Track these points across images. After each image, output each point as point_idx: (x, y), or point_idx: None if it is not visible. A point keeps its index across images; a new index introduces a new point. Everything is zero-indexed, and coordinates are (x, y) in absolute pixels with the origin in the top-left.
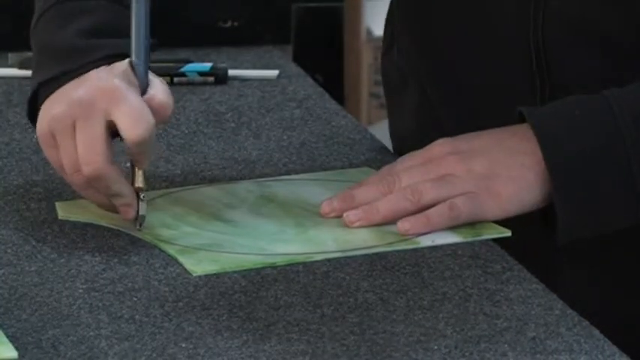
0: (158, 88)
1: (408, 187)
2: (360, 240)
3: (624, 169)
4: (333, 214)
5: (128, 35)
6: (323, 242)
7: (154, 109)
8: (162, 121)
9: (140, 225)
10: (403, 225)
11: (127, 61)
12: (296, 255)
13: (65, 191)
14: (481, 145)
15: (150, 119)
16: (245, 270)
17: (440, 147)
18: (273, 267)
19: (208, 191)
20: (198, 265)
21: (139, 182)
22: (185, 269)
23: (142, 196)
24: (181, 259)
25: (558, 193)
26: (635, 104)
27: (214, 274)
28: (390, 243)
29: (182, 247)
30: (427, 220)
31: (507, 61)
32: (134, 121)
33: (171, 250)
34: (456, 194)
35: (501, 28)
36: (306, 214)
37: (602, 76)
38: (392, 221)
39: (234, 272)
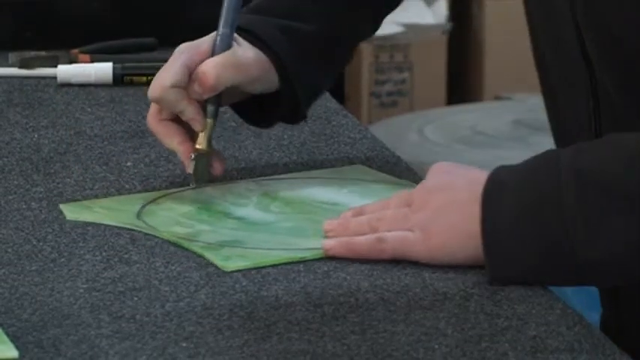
0: (210, 62)
1: (377, 239)
2: None
3: (558, 229)
4: (331, 234)
5: (275, 14)
6: None
7: (197, 77)
8: (205, 88)
9: (194, 182)
10: (328, 242)
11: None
12: (316, 250)
13: (66, 191)
14: (452, 183)
15: (211, 78)
16: (275, 265)
17: (425, 181)
18: (303, 261)
19: (208, 191)
20: (228, 262)
21: (200, 144)
22: (204, 265)
23: (192, 156)
24: (208, 255)
25: (485, 250)
26: (583, 161)
27: (245, 269)
28: None
29: (205, 244)
30: (350, 247)
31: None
32: (201, 71)
33: (194, 247)
34: (403, 228)
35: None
36: (315, 210)
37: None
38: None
39: (264, 267)
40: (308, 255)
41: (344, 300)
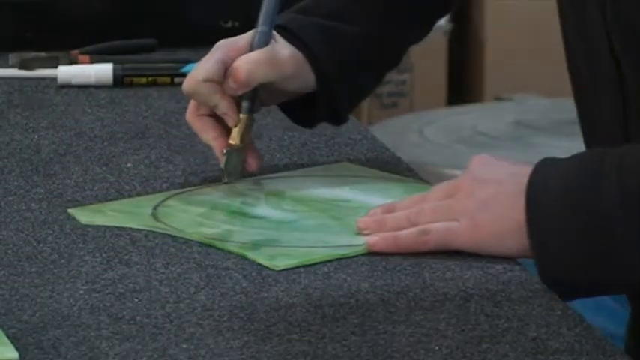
0: (244, 58)
1: (420, 231)
2: None
3: (605, 227)
4: (366, 231)
5: (318, 14)
6: None
7: (231, 72)
8: (238, 83)
9: (225, 177)
10: (372, 238)
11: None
12: (358, 246)
13: (66, 192)
14: (497, 176)
15: (243, 73)
16: (318, 262)
17: (467, 173)
18: (346, 257)
19: (210, 192)
20: (274, 261)
21: (234, 139)
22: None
23: (224, 150)
24: (251, 255)
25: (532, 246)
26: (628, 163)
27: (292, 267)
28: None
29: (239, 243)
30: (394, 241)
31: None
32: (234, 66)
33: (231, 247)
34: (446, 220)
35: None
36: (330, 207)
37: None
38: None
39: (308, 265)
40: (350, 251)
41: (344, 301)
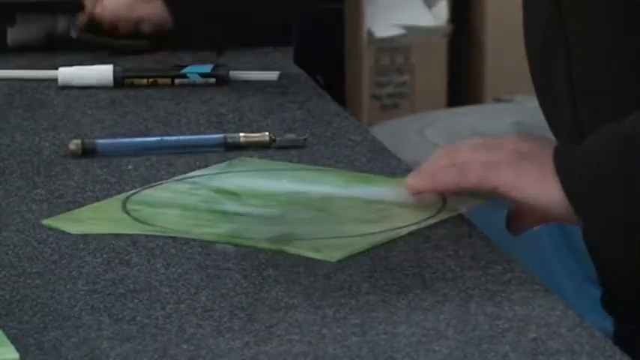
0: None
1: (460, 164)
2: (409, 216)
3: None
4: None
5: None
6: (380, 219)
7: None
8: None
9: None
10: (412, 178)
11: None
12: (384, 232)
13: (67, 193)
14: (541, 143)
15: None
16: (366, 251)
17: (503, 136)
18: (392, 240)
19: (155, 193)
20: (323, 253)
21: None
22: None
23: None
24: (292, 249)
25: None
26: None
27: (347, 257)
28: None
29: (264, 239)
30: (432, 177)
31: None
32: None
33: (263, 244)
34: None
35: None
36: (296, 200)
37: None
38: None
39: (359, 254)
40: (384, 237)
41: (344, 301)
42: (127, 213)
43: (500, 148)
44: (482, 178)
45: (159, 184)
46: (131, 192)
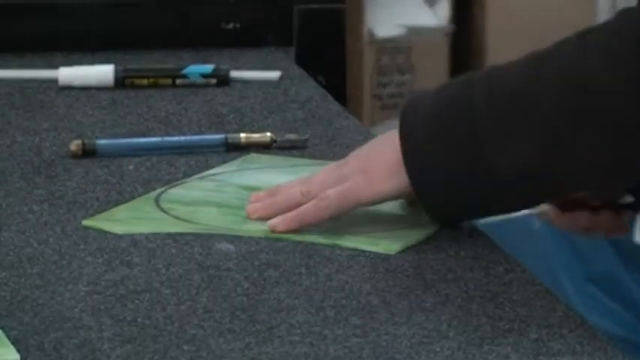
0: None
1: (317, 198)
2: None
3: (471, 140)
4: (256, 216)
5: None
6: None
7: None
8: None
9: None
10: (273, 221)
11: None
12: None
13: (67, 194)
14: (375, 141)
15: None
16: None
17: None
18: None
19: (183, 191)
20: (380, 245)
21: None
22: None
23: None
24: (350, 244)
25: (404, 158)
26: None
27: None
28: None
29: (316, 235)
30: (297, 217)
31: None
32: None
33: (320, 239)
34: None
35: None
36: None
37: None
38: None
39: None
40: (427, 233)
41: (346, 303)
42: (165, 212)
43: (347, 167)
44: (342, 206)
45: (183, 183)
46: (158, 191)
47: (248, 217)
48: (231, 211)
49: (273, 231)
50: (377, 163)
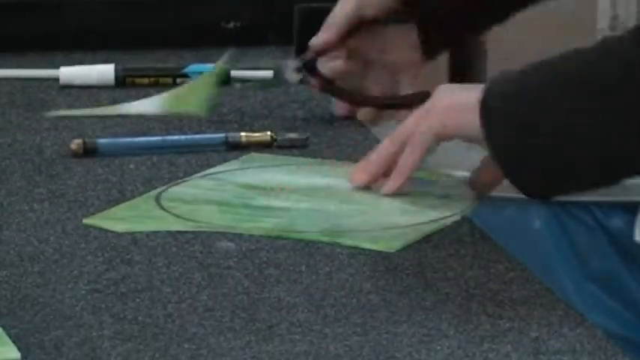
0: None
1: (409, 141)
2: (452, 205)
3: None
4: (360, 181)
5: None
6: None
7: None
8: None
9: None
10: (384, 187)
11: None
12: (433, 221)
13: (68, 192)
14: (461, 89)
15: None
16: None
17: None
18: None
19: (180, 191)
20: (380, 244)
21: None
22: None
23: None
24: (349, 242)
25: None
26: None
27: (404, 247)
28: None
29: (316, 232)
30: (397, 168)
31: None
32: None
33: (317, 236)
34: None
35: None
36: (330, 194)
37: None
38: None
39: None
40: (437, 225)
41: (346, 301)
42: (165, 210)
43: (431, 109)
44: (428, 134)
45: (184, 181)
46: (159, 189)
47: (354, 184)
48: (232, 209)
49: (386, 193)
50: (459, 103)
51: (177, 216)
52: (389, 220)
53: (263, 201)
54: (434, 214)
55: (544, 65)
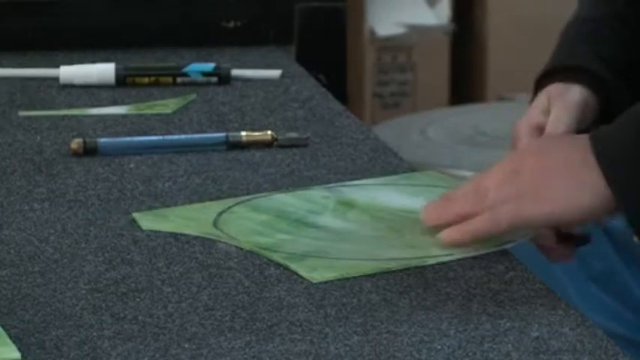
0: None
1: (491, 211)
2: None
3: None
4: (432, 223)
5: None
6: (427, 246)
7: None
8: None
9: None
10: (445, 233)
11: None
12: (410, 259)
13: (68, 192)
14: (558, 146)
15: None
16: (363, 276)
17: (526, 149)
18: (388, 272)
19: (283, 198)
20: (314, 272)
21: None
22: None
23: None
24: (293, 266)
25: (607, 179)
26: None
27: (333, 280)
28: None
29: (287, 254)
30: (469, 228)
31: None
32: None
33: (277, 257)
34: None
35: None
36: (393, 218)
37: None
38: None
39: (352, 278)
40: (393, 265)
41: (347, 301)
42: (220, 214)
43: (520, 174)
44: (514, 221)
45: (304, 190)
46: (256, 195)
47: (426, 224)
48: (276, 222)
49: (444, 243)
50: (555, 181)
51: (212, 222)
52: (363, 252)
53: (320, 218)
54: (406, 252)
55: None
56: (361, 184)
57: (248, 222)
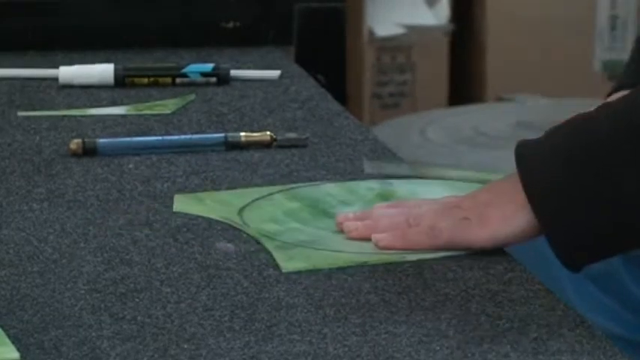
0: None
1: (429, 228)
2: None
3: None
4: (355, 234)
5: None
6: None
7: None
8: None
9: None
10: (379, 235)
11: None
12: (389, 255)
13: (67, 192)
14: (486, 190)
15: None
16: (336, 268)
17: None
18: (362, 265)
19: (328, 188)
20: (289, 262)
21: None
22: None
23: None
24: (275, 254)
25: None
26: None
27: (304, 270)
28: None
29: (282, 242)
30: (403, 236)
31: None
32: None
33: (269, 244)
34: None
35: None
36: None
37: None
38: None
39: (325, 270)
40: (370, 259)
41: (345, 301)
42: (253, 200)
43: (462, 204)
44: (453, 240)
45: (356, 181)
46: (309, 183)
47: (347, 235)
48: (300, 210)
49: (377, 245)
50: (494, 209)
51: (239, 208)
52: (352, 245)
53: (344, 209)
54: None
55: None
56: (413, 180)
57: (275, 210)
